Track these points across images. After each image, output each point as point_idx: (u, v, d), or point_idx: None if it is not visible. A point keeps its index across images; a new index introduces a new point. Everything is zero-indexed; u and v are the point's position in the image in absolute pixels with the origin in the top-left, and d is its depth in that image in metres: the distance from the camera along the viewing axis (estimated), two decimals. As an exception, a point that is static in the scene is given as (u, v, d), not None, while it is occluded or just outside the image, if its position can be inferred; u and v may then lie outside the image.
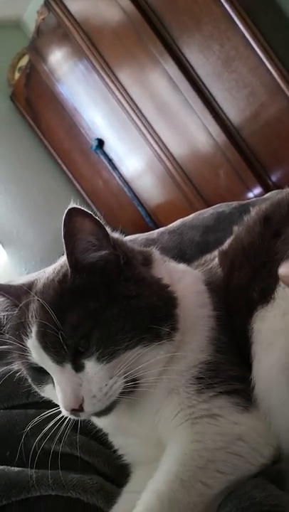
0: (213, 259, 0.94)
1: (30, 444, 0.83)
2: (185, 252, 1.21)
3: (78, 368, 0.71)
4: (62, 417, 0.76)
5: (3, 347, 0.80)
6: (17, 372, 0.99)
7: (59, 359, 0.71)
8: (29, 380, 0.82)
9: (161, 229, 1.34)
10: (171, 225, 1.33)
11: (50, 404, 0.87)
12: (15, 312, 0.79)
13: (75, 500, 0.78)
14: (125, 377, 0.71)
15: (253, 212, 0.89)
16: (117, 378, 0.71)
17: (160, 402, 0.74)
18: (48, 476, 0.78)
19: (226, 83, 2.67)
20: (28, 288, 0.80)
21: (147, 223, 3.28)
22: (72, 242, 0.72)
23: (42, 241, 3.21)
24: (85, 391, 0.70)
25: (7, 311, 0.82)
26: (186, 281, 0.83)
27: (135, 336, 0.71)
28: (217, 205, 1.33)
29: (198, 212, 1.33)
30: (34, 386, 0.81)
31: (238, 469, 0.66)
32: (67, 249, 0.72)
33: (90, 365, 0.70)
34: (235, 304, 0.80)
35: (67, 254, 0.73)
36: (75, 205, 0.71)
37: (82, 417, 0.72)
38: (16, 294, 0.80)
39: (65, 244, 0.72)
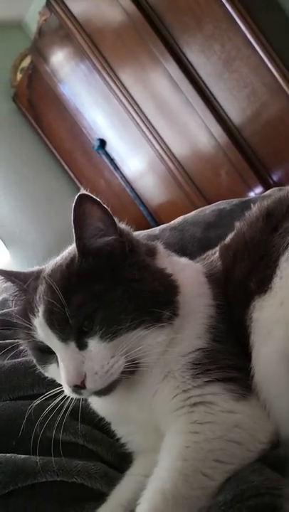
0: (214, 253, 0.96)
1: (35, 433, 0.86)
2: (186, 247, 1.23)
3: (82, 346, 0.74)
4: (62, 399, 0.79)
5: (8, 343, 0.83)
6: (22, 364, 1.02)
7: (64, 336, 0.74)
8: (34, 361, 0.85)
9: (162, 225, 1.37)
10: (172, 221, 1.35)
11: (53, 396, 0.90)
12: (23, 296, 0.83)
13: (79, 486, 0.80)
14: (126, 357, 0.74)
15: (255, 208, 0.92)
16: (119, 357, 0.73)
17: (157, 384, 0.77)
18: (53, 463, 0.81)
19: (227, 83, 2.68)
20: (37, 274, 0.84)
21: (149, 223, 3.30)
22: (80, 227, 0.75)
23: (44, 241, 3.23)
24: (88, 368, 0.72)
25: (16, 295, 0.86)
26: (187, 272, 0.86)
27: (137, 318, 0.74)
28: (218, 202, 1.35)
29: (200, 209, 1.35)
30: (39, 366, 0.84)
31: (237, 457, 0.68)
32: (76, 233, 0.76)
33: (93, 344, 0.73)
34: (235, 295, 0.82)
35: (75, 239, 0.76)
36: (85, 192, 0.74)
37: (84, 394, 0.74)
38: (25, 279, 0.84)
39: (74, 229, 0.75)
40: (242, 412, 0.71)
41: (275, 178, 2.76)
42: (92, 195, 0.75)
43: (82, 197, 0.74)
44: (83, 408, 0.89)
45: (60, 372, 0.74)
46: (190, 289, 0.83)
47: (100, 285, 0.74)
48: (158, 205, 3.30)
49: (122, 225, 0.83)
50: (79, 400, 0.84)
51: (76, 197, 0.74)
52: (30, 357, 0.94)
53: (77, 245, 0.77)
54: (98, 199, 0.75)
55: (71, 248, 0.83)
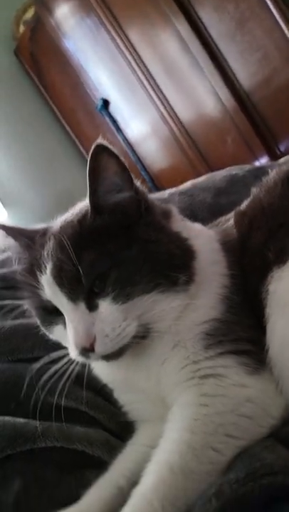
0: (228, 220, 0.92)
1: (35, 397, 0.83)
2: (196, 214, 1.19)
3: (92, 307, 0.70)
4: (65, 364, 0.77)
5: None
6: (23, 327, 0.99)
7: (73, 296, 0.70)
8: (38, 321, 0.81)
9: (171, 190, 1.31)
10: (182, 186, 1.30)
11: (55, 360, 0.87)
12: (29, 253, 0.78)
13: (80, 453, 0.78)
14: (139, 322, 0.71)
15: (274, 173, 0.87)
16: (131, 321, 0.70)
17: (166, 353, 0.74)
18: (53, 428, 0.79)
19: (239, 45, 2.58)
20: (43, 230, 0.80)
21: (150, 188, 3.24)
22: (96, 181, 0.71)
23: (43, 202, 3.16)
24: (98, 330, 0.69)
25: (19, 253, 0.82)
26: (202, 238, 0.82)
27: (152, 280, 0.71)
28: (230, 167, 1.30)
29: (210, 174, 1.30)
30: (43, 327, 0.80)
31: (248, 432, 0.66)
32: (90, 187, 0.72)
33: (105, 305, 0.70)
34: (251, 264, 0.78)
35: (89, 193, 0.72)
36: (102, 142, 0.70)
37: (92, 358, 0.71)
38: (30, 235, 0.80)
39: (89, 181, 0.71)
40: (254, 386, 0.69)
41: (282, 148, 2.69)
42: (109, 146, 0.70)
43: (99, 147, 0.69)
44: (86, 374, 0.86)
45: (68, 333, 0.71)
46: (206, 256, 0.79)
47: (113, 243, 0.71)
48: (159, 171, 3.23)
49: (137, 183, 0.78)
50: (81, 365, 0.81)
51: (93, 146, 0.69)
52: (32, 318, 0.91)
53: (91, 200, 0.73)
54: (116, 151, 0.71)
55: (82, 204, 0.79)
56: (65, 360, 0.77)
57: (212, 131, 2.86)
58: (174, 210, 0.84)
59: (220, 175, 1.27)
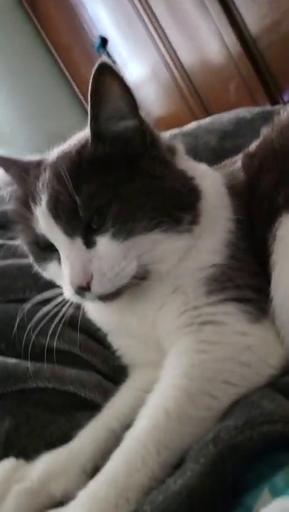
0: (234, 162, 0.87)
1: (26, 338, 0.81)
2: (200, 157, 1.12)
3: (90, 243, 0.66)
4: (57, 305, 0.74)
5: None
6: (14, 267, 0.95)
7: (70, 230, 0.66)
8: (31, 259, 0.78)
9: (174, 130, 1.25)
10: (185, 127, 1.24)
11: (47, 301, 0.84)
12: (23, 185, 0.74)
13: (72, 395, 0.77)
14: (139, 262, 0.67)
15: (285, 114, 0.81)
16: (131, 260, 0.67)
17: (165, 298, 0.71)
18: (45, 370, 0.77)
19: (248, -15, 2.43)
20: (38, 162, 0.75)
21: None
22: (98, 105, 0.66)
23: (35, 143, 3.02)
24: (96, 268, 0.65)
25: (13, 185, 0.77)
26: (208, 180, 0.77)
27: (155, 217, 0.67)
28: (237, 109, 1.23)
29: (216, 115, 1.23)
30: (36, 264, 0.77)
31: (246, 380, 0.64)
32: (92, 111, 0.67)
33: (104, 242, 0.66)
34: (258, 209, 0.74)
35: (90, 119, 0.67)
36: (106, 60, 0.64)
37: (88, 298, 0.67)
38: (24, 167, 0.75)
39: (90, 106, 0.66)
40: (255, 334, 0.67)
41: (286, 98, 2.59)
42: (114, 68, 0.65)
43: (102, 66, 0.64)
44: (78, 316, 0.83)
45: (63, 271, 0.67)
46: (212, 198, 0.75)
47: (115, 175, 0.66)
48: (158, 118, 3.10)
49: (143, 111, 0.73)
50: (75, 307, 0.78)
51: (96, 65, 0.63)
52: (24, 258, 0.87)
53: (92, 127, 0.67)
54: (121, 74, 0.66)
55: (81, 134, 0.74)
56: (59, 300, 0.75)
57: (215, 78, 2.74)
58: (180, 148, 0.79)
59: (226, 117, 1.21)
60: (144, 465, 0.55)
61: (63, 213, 0.66)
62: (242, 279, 0.69)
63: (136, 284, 0.69)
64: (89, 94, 0.65)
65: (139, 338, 0.77)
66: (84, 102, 3.39)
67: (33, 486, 0.63)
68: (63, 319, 0.77)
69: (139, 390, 0.76)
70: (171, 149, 0.76)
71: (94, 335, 0.86)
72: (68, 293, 0.69)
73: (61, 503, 0.61)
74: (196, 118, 2.78)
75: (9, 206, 1.05)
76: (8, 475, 0.64)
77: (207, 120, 1.25)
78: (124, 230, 0.66)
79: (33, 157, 0.79)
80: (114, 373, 0.85)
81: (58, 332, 0.80)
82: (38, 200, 0.68)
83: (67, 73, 3.42)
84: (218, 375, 0.63)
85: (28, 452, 0.69)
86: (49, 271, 0.74)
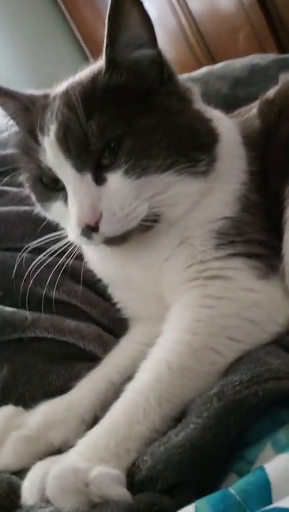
0: (249, 110, 0.82)
1: (25, 288, 0.79)
2: (210, 104, 1.08)
3: (100, 180, 0.63)
4: (55, 254, 0.72)
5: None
6: (13, 214, 0.92)
7: (79, 164, 0.62)
8: (34, 197, 0.74)
9: (184, 75, 1.18)
10: (195, 72, 1.18)
11: (44, 250, 0.82)
12: (28, 116, 0.69)
13: (71, 345, 0.76)
14: (150, 204, 0.64)
15: (308, 60, 0.76)
16: (142, 201, 0.63)
17: (172, 250, 0.68)
18: (44, 319, 0.76)
19: None
20: (44, 95, 0.71)
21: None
22: (115, 30, 0.62)
23: (33, 87, 2.94)
24: (105, 206, 0.61)
25: (15, 116, 0.72)
26: (224, 126, 0.73)
27: (170, 156, 0.63)
28: (250, 56, 1.17)
29: (229, 61, 1.17)
30: (39, 203, 0.73)
31: (251, 337, 0.63)
32: (108, 37, 0.63)
33: (115, 179, 0.62)
34: (274, 160, 0.71)
35: (106, 45, 0.63)
36: None
37: (94, 240, 0.64)
38: (27, 98, 0.71)
39: (108, 31, 0.62)
40: (262, 291, 0.65)
41: (297, 52, 2.49)
42: None
43: None
44: (79, 267, 0.81)
45: (70, 209, 0.64)
46: (228, 144, 0.71)
47: (130, 107, 0.62)
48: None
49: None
50: (74, 257, 0.75)
51: None
52: (24, 203, 0.84)
53: (108, 53, 0.63)
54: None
55: (94, 65, 0.69)
56: (63, 243, 0.71)
57: (224, 27, 2.63)
58: (196, 90, 0.74)
59: (239, 63, 1.14)
60: (145, 417, 0.54)
61: (73, 144, 0.61)
62: (252, 234, 0.67)
63: (144, 229, 0.66)
64: (106, 18, 0.62)
65: (141, 291, 0.75)
66: (84, 46, 3.26)
67: (31, 433, 0.62)
68: (63, 269, 0.75)
69: (139, 343, 0.74)
70: (187, 89, 0.72)
71: (94, 286, 0.84)
72: (73, 235, 0.65)
73: (59, 452, 0.61)
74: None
75: (9, 150, 1.00)
76: (7, 422, 0.64)
77: (219, 66, 1.18)
78: (138, 168, 0.62)
79: (34, 91, 0.75)
80: (114, 326, 0.84)
81: (57, 282, 0.78)
82: (46, 130, 0.64)
83: (68, 16, 3.26)
84: (223, 331, 0.61)
85: (26, 400, 0.69)
86: (53, 211, 0.70)
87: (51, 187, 0.68)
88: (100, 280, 0.83)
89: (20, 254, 0.80)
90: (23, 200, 0.94)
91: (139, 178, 0.62)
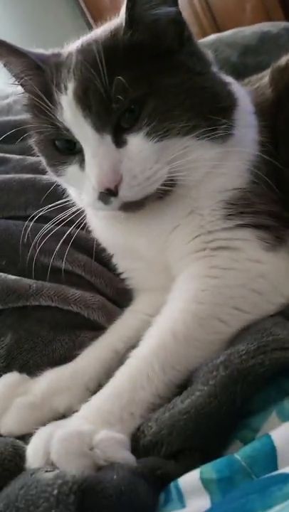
0: (260, 79, 0.80)
1: (29, 256, 0.79)
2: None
3: (120, 143, 0.60)
4: (61, 223, 0.70)
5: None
6: (16, 181, 0.90)
7: (99, 125, 0.59)
8: (45, 161, 0.70)
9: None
10: (204, 39, 1.14)
11: (49, 219, 0.81)
12: (39, 74, 0.65)
13: (75, 315, 0.76)
14: (170, 168, 0.62)
15: None
16: (163, 165, 0.61)
17: (179, 219, 0.67)
18: (48, 288, 0.75)
19: None
20: (56, 53, 0.68)
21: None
22: None
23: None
24: (126, 169, 0.59)
25: (22, 76, 0.67)
26: (239, 93, 0.71)
27: (192, 119, 0.61)
28: (261, 23, 1.13)
29: (238, 28, 1.13)
30: (51, 168, 0.69)
31: (257, 307, 0.63)
32: None
33: (136, 142, 0.60)
34: (286, 128, 0.69)
35: (127, 1, 0.60)
36: None
37: (112, 204, 0.62)
38: (37, 56, 0.66)
39: None
40: (269, 262, 0.64)
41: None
42: None
43: None
44: (83, 237, 0.80)
45: (88, 172, 0.61)
46: (243, 112, 0.69)
47: (152, 66, 0.60)
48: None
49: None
50: (79, 227, 0.75)
51: None
52: (27, 171, 0.82)
53: (128, 10, 0.60)
54: None
55: (109, 24, 0.66)
56: (68, 212, 0.70)
57: (231, -4, 2.56)
58: (210, 54, 0.72)
59: (249, 30, 1.11)
60: (149, 383, 0.54)
61: (94, 103, 0.59)
62: (262, 205, 0.66)
63: (159, 196, 0.64)
64: None
65: (147, 261, 0.74)
66: (88, 13, 3.17)
67: (36, 400, 0.63)
68: (67, 239, 0.74)
69: (144, 313, 0.74)
70: (206, 53, 0.70)
71: (98, 256, 0.84)
72: (90, 198, 0.63)
73: (63, 418, 0.61)
74: (207, 39, 2.63)
75: (11, 116, 0.98)
76: (11, 388, 0.64)
77: (228, 33, 1.15)
78: (160, 130, 0.60)
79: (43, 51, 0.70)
80: (118, 296, 0.84)
81: (61, 252, 0.78)
82: (63, 88, 0.60)
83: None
84: (229, 301, 0.61)
85: (30, 368, 0.69)
86: (68, 175, 0.67)
87: (66, 150, 0.65)
88: (104, 250, 0.82)
89: (26, 223, 0.79)
90: (26, 168, 0.92)
91: (160, 140, 0.60)
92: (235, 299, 0.61)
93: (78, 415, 0.53)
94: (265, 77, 0.79)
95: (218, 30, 2.64)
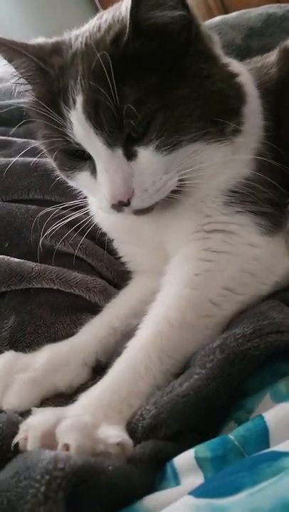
0: (264, 58, 0.78)
1: (31, 239, 0.80)
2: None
3: (130, 155, 0.60)
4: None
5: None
6: (19, 165, 0.91)
7: (111, 140, 0.59)
8: (54, 163, 0.70)
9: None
10: (209, 20, 1.13)
11: (51, 203, 0.82)
12: (41, 77, 0.63)
13: (77, 297, 0.77)
14: (180, 176, 0.62)
15: None
16: (173, 175, 0.62)
17: (183, 210, 0.67)
18: (50, 271, 0.77)
19: None
20: (54, 47, 0.64)
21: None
22: None
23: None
24: (137, 183, 0.60)
25: (26, 77, 0.65)
26: (245, 78, 0.70)
27: (203, 128, 0.61)
28: (267, 5, 1.11)
29: (243, 10, 1.11)
30: (62, 172, 0.69)
31: (249, 288, 0.63)
32: None
33: (146, 155, 0.60)
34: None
35: (131, 7, 0.57)
36: None
37: (125, 212, 0.63)
38: (39, 56, 0.63)
39: None
40: (264, 246, 0.65)
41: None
42: None
43: None
44: (84, 221, 0.81)
45: (102, 184, 0.62)
46: (252, 100, 0.68)
47: (160, 76, 0.58)
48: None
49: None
50: (80, 210, 0.75)
51: None
52: (31, 154, 0.83)
53: (132, 15, 0.57)
54: None
55: (111, 15, 0.63)
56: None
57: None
58: (217, 38, 0.70)
59: (255, 12, 1.09)
60: (147, 372, 0.55)
61: (106, 121, 0.58)
62: (263, 193, 0.66)
63: (169, 197, 0.65)
64: None
65: (147, 247, 0.75)
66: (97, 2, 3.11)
67: (36, 375, 0.64)
68: (69, 222, 0.75)
69: (140, 293, 0.76)
70: (211, 42, 0.67)
71: (99, 240, 0.85)
72: (102, 205, 0.64)
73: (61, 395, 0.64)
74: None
75: (14, 100, 0.97)
76: (9, 365, 0.65)
77: (234, 15, 1.13)
78: (170, 143, 0.60)
79: (39, 40, 0.68)
80: (119, 279, 0.85)
81: (62, 234, 0.79)
82: (71, 102, 0.59)
83: None
84: (221, 283, 0.62)
85: (34, 349, 0.70)
86: (79, 181, 0.67)
87: (76, 158, 0.65)
88: (104, 233, 0.83)
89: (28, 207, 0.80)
90: (29, 151, 0.92)
91: (170, 152, 0.60)
92: (226, 281, 0.62)
93: (79, 406, 0.53)
94: (271, 56, 0.78)
95: (226, 11, 2.60)
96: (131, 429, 0.50)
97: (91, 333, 0.71)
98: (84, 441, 0.44)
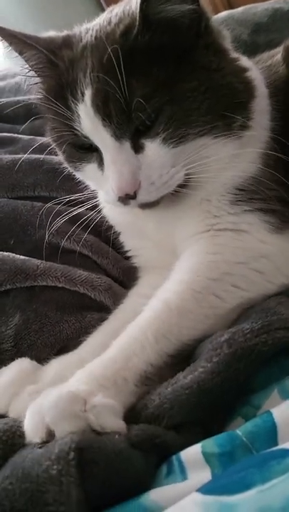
0: (272, 56, 0.78)
1: (36, 236, 0.80)
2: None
3: (137, 148, 0.60)
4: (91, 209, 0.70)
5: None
6: (24, 162, 0.91)
7: (119, 133, 0.59)
8: (62, 156, 0.70)
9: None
10: (215, 16, 1.12)
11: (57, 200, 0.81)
12: (50, 70, 0.63)
13: (81, 295, 0.77)
14: (186, 170, 0.62)
15: None
16: (180, 168, 0.62)
17: (188, 208, 0.67)
18: (55, 269, 0.76)
19: None
20: (64, 40, 0.64)
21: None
22: None
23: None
24: (144, 176, 0.60)
25: (36, 70, 0.65)
26: (255, 74, 0.69)
27: (210, 122, 0.61)
28: (272, 0, 1.11)
29: (250, 5, 1.11)
30: (70, 164, 0.69)
31: (255, 286, 0.63)
32: None
33: (153, 148, 0.60)
34: None
35: (140, 2, 0.57)
36: None
37: (131, 205, 0.63)
38: (49, 49, 0.63)
39: None
40: (273, 244, 0.64)
41: None
42: None
43: None
44: (90, 216, 0.81)
45: (109, 177, 0.62)
46: (260, 97, 0.67)
47: (169, 69, 0.58)
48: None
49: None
50: (86, 207, 0.75)
51: None
52: (37, 151, 0.83)
53: (142, 9, 0.57)
54: None
55: (121, 9, 0.63)
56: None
57: None
58: (227, 33, 0.70)
59: (261, 7, 1.08)
60: (142, 350, 0.55)
61: (114, 114, 0.58)
62: (270, 191, 0.65)
63: (176, 192, 0.64)
64: None
65: (154, 242, 0.75)
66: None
67: (45, 388, 0.62)
68: (75, 219, 0.74)
69: (147, 297, 0.74)
70: (221, 37, 0.67)
71: (104, 236, 0.84)
72: (109, 198, 0.64)
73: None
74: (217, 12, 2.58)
75: (21, 96, 0.97)
76: (22, 374, 0.64)
77: (239, 10, 1.13)
78: (177, 135, 0.60)
79: (50, 33, 0.68)
80: (124, 276, 0.84)
81: (68, 231, 0.78)
82: (79, 95, 0.60)
83: None
84: (227, 277, 0.61)
85: (38, 347, 0.70)
86: (86, 173, 0.67)
87: (83, 150, 0.65)
88: (110, 228, 0.82)
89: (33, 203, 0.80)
90: (35, 149, 0.92)
91: (177, 145, 0.60)
92: (234, 276, 0.62)
93: (74, 380, 0.53)
94: (277, 55, 0.77)
95: (231, 7, 2.60)
96: (134, 418, 0.50)
97: (98, 344, 0.69)
98: (66, 411, 0.45)
